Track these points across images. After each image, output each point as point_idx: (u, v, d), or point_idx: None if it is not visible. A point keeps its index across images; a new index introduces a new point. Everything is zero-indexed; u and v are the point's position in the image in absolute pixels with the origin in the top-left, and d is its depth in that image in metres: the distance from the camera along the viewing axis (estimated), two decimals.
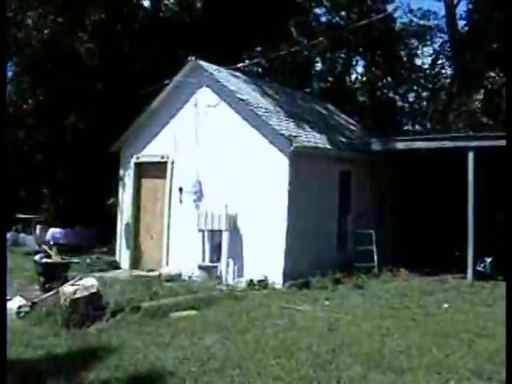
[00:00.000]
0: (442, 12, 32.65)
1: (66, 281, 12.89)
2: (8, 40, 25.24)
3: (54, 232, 23.11)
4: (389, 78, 39.11)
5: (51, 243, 18.55)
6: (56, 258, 14.95)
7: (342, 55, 38.84)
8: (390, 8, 36.83)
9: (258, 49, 32.76)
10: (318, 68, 39.31)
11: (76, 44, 26.25)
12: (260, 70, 33.73)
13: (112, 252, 20.03)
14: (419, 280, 16.74)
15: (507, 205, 11.46)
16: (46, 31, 25.32)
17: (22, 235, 24.56)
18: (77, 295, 11.20)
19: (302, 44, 34.13)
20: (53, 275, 13.85)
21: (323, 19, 37.40)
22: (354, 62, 40.05)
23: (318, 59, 38.81)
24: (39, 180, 29.29)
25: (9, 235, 24.02)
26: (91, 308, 11.21)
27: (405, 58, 38.96)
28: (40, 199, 29.55)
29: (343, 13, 36.35)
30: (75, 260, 17.03)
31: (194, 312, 12.22)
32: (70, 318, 10.80)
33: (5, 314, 7.83)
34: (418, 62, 39.68)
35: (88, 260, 18.72)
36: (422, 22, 38.17)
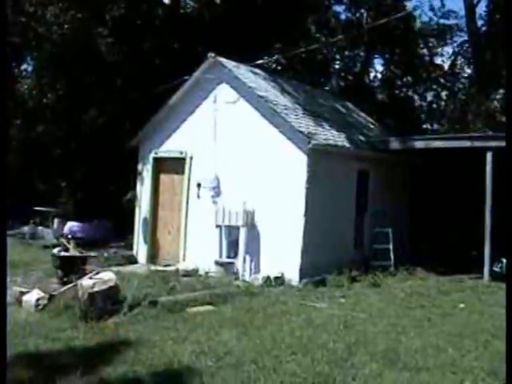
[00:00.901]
0: (463, 12, 32.43)
1: (84, 274, 12.98)
2: (28, 34, 25.47)
3: (71, 225, 23.21)
4: (408, 77, 38.96)
5: (69, 237, 18.65)
6: (74, 252, 15.03)
7: (361, 53, 38.73)
8: (410, 6, 36.73)
9: (277, 46, 32.75)
10: (336, 66, 39.26)
11: (96, 39, 26.37)
12: (279, 67, 33.70)
13: (129, 246, 20.10)
14: (435, 279, 16.71)
15: None
16: (66, 26, 25.42)
17: (39, 228, 24.69)
18: (95, 289, 11.26)
19: (321, 41, 34.09)
20: (71, 268, 13.94)
21: (342, 16, 37.38)
22: (373, 61, 39.98)
23: (337, 57, 38.77)
24: (57, 174, 29.50)
25: (27, 228, 24.20)
26: (109, 302, 11.29)
27: (424, 57, 38.82)
28: (58, 193, 29.75)
29: (362, 10, 36.23)
30: (93, 254, 17.14)
31: (210, 307, 12.28)
32: (88, 311, 10.88)
33: (5, 314, 7.86)
34: (438, 60, 39.52)
35: (105, 254, 18.77)
36: (442, 21, 38.00)
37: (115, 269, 15.64)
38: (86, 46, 25.41)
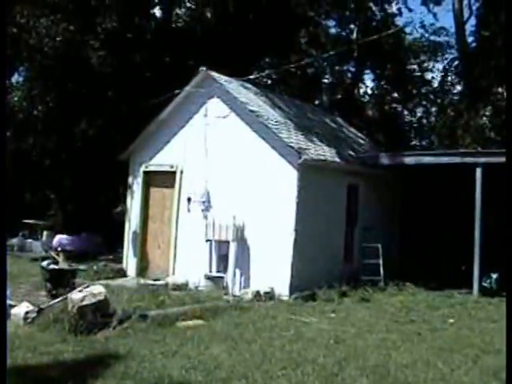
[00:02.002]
0: (453, 29, 32.74)
1: (73, 287, 12.94)
2: (20, 46, 25.47)
3: (60, 238, 23.12)
4: (398, 93, 39.20)
5: (58, 249, 18.59)
6: (63, 265, 15.01)
7: (351, 68, 38.99)
8: (400, 22, 37.03)
9: (268, 60, 32.93)
10: (327, 80, 39.47)
11: (88, 51, 26.43)
12: (270, 81, 33.85)
13: (119, 260, 20.06)
14: (425, 294, 16.74)
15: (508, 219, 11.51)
16: (58, 38, 25.47)
17: (28, 241, 24.59)
18: (85, 302, 11.22)
19: (312, 56, 34.27)
20: (60, 282, 13.90)
21: (332, 31, 37.60)
22: (364, 76, 40.21)
23: (327, 72, 38.97)
24: (47, 186, 29.42)
25: (15, 240, 24.09)
26: (99, 315, 11.23)
27: (414, 73, 39.09)
28: (47, 205, 29.66)
29: (352, 26, 36.47)
30: (82, 267, 17.11)
31: (200, 321, 12.25)
32: (78, 324, 10.81)
33: (5, 316, 7.86)
34: (428, 76, 39.83)
35: (95, 267, 18.69)
36: (432, 38, 38.34)
37: (105, 282, 15.65)
38: (78, 58, 25.47)
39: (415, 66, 39.75)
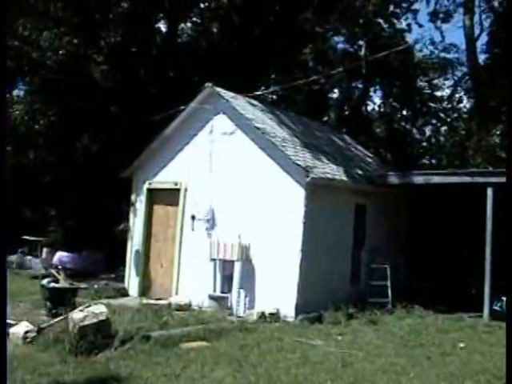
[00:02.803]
0: (464, 45, 32.83)
1: (74, 307, 12.93)
2: (22, 59, 25.61)
3: (61, 256, 23.12)
4: (406, 110, 39.25)
5: (59, 267, 18.59)
6: (64, 283, 14.99)
7: (359, 85, 39.04)
8: (410, 39, 37.12)
9: (274, 76, 33.02)
10: (334, 97, 39.55)
11: (91, 66, 26.58)
12: (276, 97, 33.96)
13: (120, 279, 20.05)
14: (434, 317, 16.63)
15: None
16: (60, 52, 25.61)
17: (28, 258, 24.61)
18: (86, 322, 11.23)
19: (319, 72, 34.36)
20: (60, 300, 13.88)
21: (340, 46, 37.74)
22: (372, 93, 40.28)
23: (334, 88, 39.07)
24: (47, 201, 29.43)
25: (14, 257, 24.10)
26: (100, 336, 11.22)
27: (423, 91, 39.12)
28: (47, 221, 29.67)
29: (361, 42, 36.57)
30: (83, 286, 17.08)
31: (204, 343, 12.23)
32: (78, 345, 10.82)
33: (5, 318, 7.85)
34: (437, 94, 39.83)
35: (96, 286, 18.69)
36: (442, 55, 38.40)
37: (106, 301, 15.60)
38: (80, 72, 25.59)
39: (424, 84, 39.80)
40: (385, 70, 35.22)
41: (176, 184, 18.42)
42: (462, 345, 13.20)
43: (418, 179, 18.87)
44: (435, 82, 40.05)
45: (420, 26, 35.94)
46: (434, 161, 38.23)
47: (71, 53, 25.65)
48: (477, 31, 31.83)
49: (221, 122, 17.76)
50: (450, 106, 38.69)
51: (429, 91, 39.70)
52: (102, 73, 26.81)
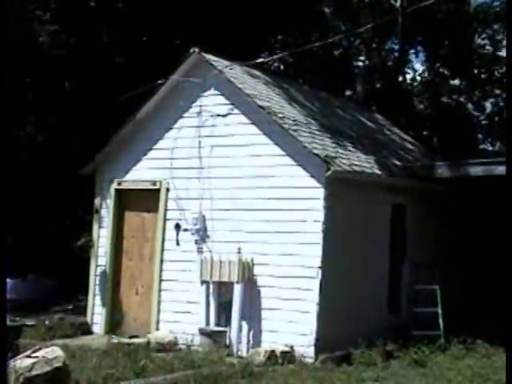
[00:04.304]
0: None
1: (17, 351, 12.89)
2: None
3: None
4: (459, 79, 39.07)
5: None
6: None
7: (395, 47, 38.97)
8: None
9: (281, 38, 32.97)
10: (361, 64, 39.48)
11: (34, 26, 26.42)
12: (284, 66, 34.02)
13: (81, 311, 20.17)
14: (504, 357, 16.57)
15: None
16: None
17: None
18: (35, 371, 11.15)
19: (341, 31, 34.35)
20: None
21: None
22: (412, 57, 40.17)
23: (361, 52, 38.97)
24: None
25: None
26: None
27: (483, 51, 38.78)
28: None
29: None
30: (29, 322, 17.25)
31: None
32: None
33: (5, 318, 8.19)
34: (502, 54, 39.45)
35: (47, 322, 18.76)
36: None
37: (61, 342, 15.79)
38: (20, 34, 25.48)
39: (484, 41, 39.48)
40: (429, 25, 35.07)
41: (154, 183, 18.59)
42: None
43: (476, 170, 18.85)
44: (499, 37, 39.69)
45: None
46: (497, 146, 38.16)
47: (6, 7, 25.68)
48: None
49: (212, 100, 17.93)
50: None
51: (490, 51, 39.35)
52: (49, 36, 26.52)
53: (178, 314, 17.71)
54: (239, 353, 16.40)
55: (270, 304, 16.60)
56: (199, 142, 17.95)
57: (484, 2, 38.41)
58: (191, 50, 18.21)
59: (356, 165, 17.74)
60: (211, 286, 17.28)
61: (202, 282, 17.30)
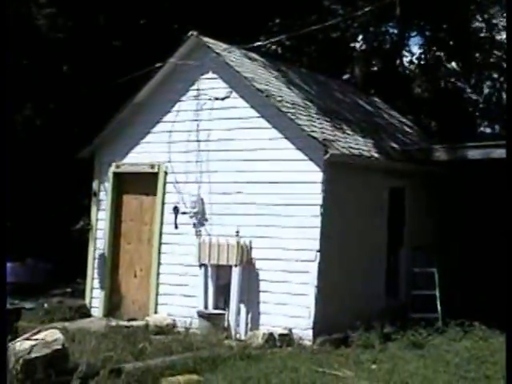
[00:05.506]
0: None
1: (16, 334, 12.86)
2: None
3: None
4: (457, 62, 39.01)
5: None
6: None
7: (393, 30, 38.90)
8: None
9: (279, 21, 32.93)
10: (359, 47, 39.39)
11: (31, 9, 26.35)
12: (282, 49, 33.94)
13: (79, 294, 20.18)
14: (502, 339, 16.54)
15: None
16: None
17: None
18: (34, 354, 11.03)
19: (339, 15, 34.27)
20: None
21: None
22: (409, 40, 40.08)
23: (359, 36, 38.88)
24: None
25: None
26: (53, 372, 11.01)
27: (480, 34, 38.71)
28: None
29: None
30: (28, 305, 17.20)
31: (194, 377, 12.30)
32: None
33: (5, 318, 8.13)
34: (500, 38, 39.34)
35: (46, 305, 18.80)
36: None
37: (61, 325, 15.72)
38: (17, 18, 25.41)
39: (481, 24, 39.41)
40: (426, 8, 34.96)
41: (152, 166, 18.57)
42: None
43: (474, 153, 18.82)
44: (496, 21, 39.66)
45: None
46: (496, 128, 38.11)
47: None
48: None
49: (210, 84, 17.90)
50: None
51: (488, 34, 39.31)
52: (46, 19, 26.53)
53: (177, 296, 17.71)
54: (237, 335, 16.42)
55: (268, 287, 16.61)
56: (197, 126, 17.93)
57: None
58: (189, 33, 18.18)
59: (354, 148, 17.73)
60: (209, 269, 17.30)
61: (201, 265, 17.31)
